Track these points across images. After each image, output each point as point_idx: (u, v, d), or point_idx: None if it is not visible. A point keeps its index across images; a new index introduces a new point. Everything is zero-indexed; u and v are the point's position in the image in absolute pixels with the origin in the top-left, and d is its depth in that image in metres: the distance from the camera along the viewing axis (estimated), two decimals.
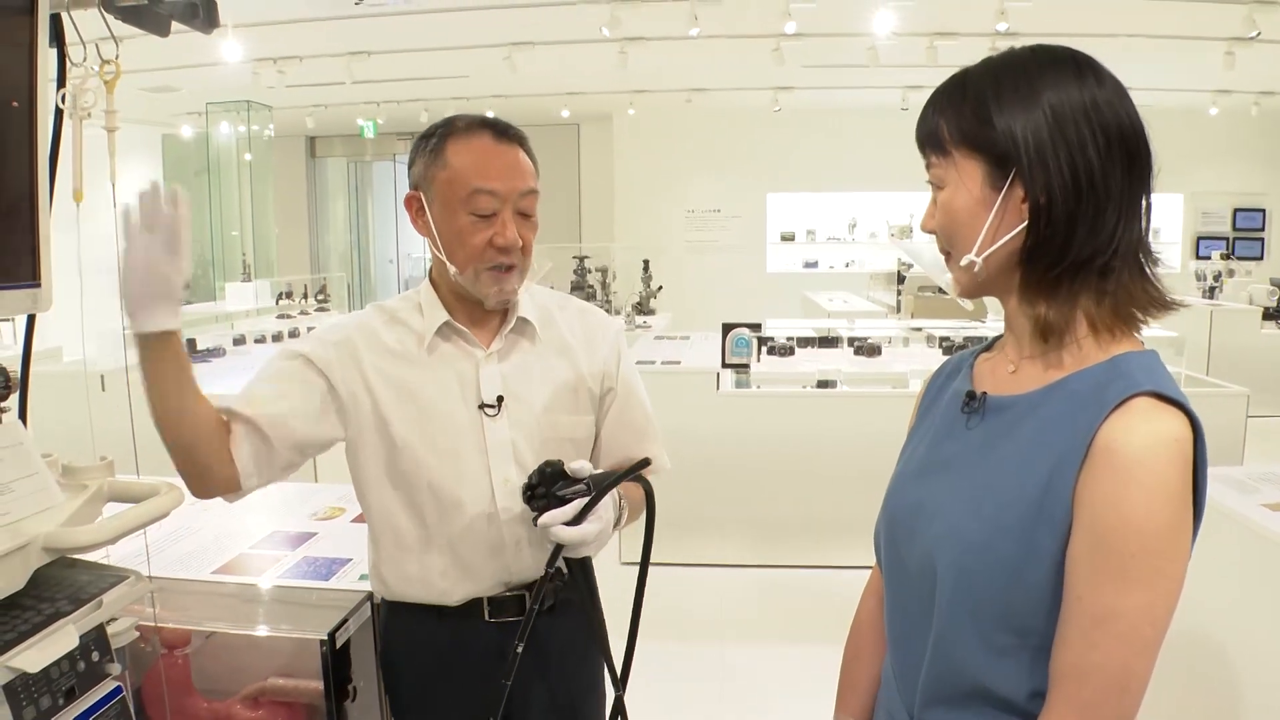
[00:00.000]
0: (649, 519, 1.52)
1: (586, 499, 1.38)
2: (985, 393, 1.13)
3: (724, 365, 5.25)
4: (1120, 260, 1.03)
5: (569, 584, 1.46)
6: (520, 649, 1.40)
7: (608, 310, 8.34)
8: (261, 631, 1.79)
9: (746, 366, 5.28)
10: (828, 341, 5.82)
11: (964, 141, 1.06)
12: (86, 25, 1.48)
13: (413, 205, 1.60)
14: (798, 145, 11.54)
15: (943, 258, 1.15)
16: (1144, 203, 1.06)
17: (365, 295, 14.35)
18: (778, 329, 6.27)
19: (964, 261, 1.08)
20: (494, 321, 1.64)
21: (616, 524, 1.52)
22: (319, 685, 1.71)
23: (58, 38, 1.48)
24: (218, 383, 5.40)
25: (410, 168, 1.62)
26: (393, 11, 6.18)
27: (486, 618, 1.58)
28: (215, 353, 5.94)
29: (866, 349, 5.63)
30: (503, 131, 1.58)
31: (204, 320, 8.54)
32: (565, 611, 1.60)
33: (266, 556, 2.09)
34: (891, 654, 1.21)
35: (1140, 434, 0.95)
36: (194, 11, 1.49)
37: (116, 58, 1.48)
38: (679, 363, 5.32)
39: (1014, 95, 1.04)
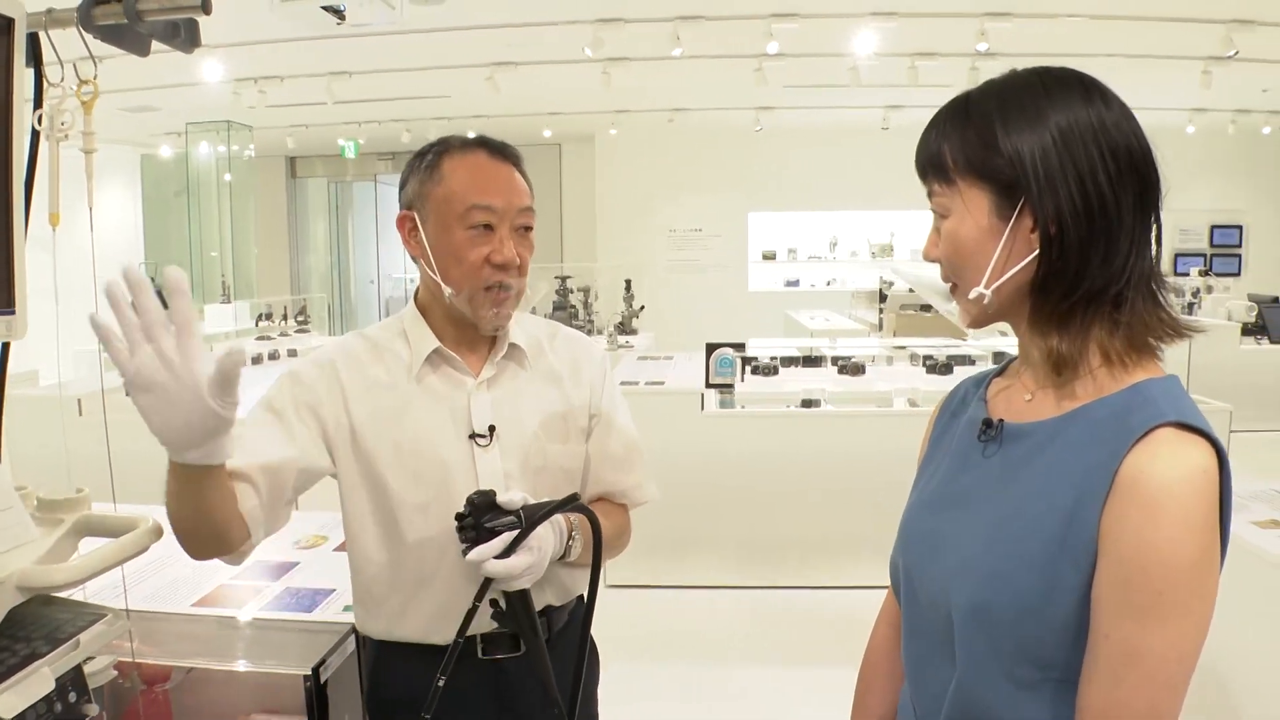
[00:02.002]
0: (595, 552, 1.44)
1: (517, 531, 1.32)
2: (1002, 420, 1.09)
3: (708, 385, 5.23)
4: (1133, 289, 1.01)
5: (507, 617, 1.39)
6: (441, 682, 1.32)
7: (590, 330, 8.32)
8: (243, 667, 1.74)
9: (731, 386, 5.25)
10: (811, 361, 5.80)
11: (969, 169, 1.03)
12: (65, 45, 1.45)
13: (405, 225, 1.56)
14: (779, 164, 11.59)
15: (947, 287, 1.12)
16: (1155, 228, 1.03)
17: (346, 316, 14.28)
18: (761, 349, 6.26)
19: (972, 295, 1.05)
20: (484, 347, 1.60)
21: (564, 556, 1.45)
22: None
23: (35, 57, 1.45)
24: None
25: (402, 188, 1.58)
26: (375, 32, 6.15)
27: (480, 655, 1.54)
28: None
29: (850, 368, 5.61)
30: (498, 150, 1.56)
31: None
32: (554, 647, 1.56)
33: (247, 588, 2.04)
34: (911, 685, 1.18)
35: (1167, 466, 0.92)
36: (175, 31, 1.46)
37: (95, 78, 1.45)
38: (663, 383, 5.29)
39: (1020, 117, 1.01)
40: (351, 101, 8.36)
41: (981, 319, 1.08)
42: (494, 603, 1.38)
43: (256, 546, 1.42)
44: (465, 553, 1.32)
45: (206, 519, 1.29)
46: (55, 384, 5.58)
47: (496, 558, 1.31)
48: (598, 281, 9.56)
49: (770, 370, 5.53)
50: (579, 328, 8.02)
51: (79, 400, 4.82)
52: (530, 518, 1.32)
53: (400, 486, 1.51)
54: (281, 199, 13.30)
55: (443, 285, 1.51)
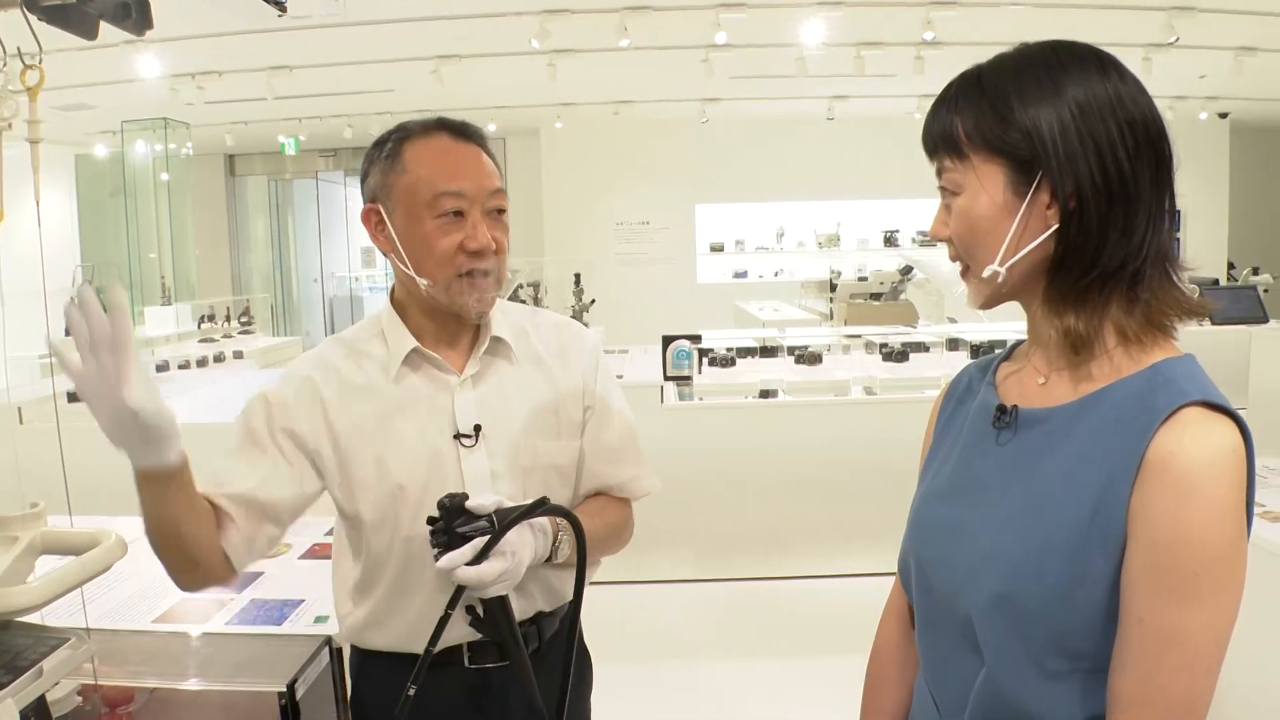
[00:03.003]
0: (579, 555, 1.39)
1: (488, 537, 1.26)
2: (1016, 406, 1.06)
3: (666, 378, 5.19)
4: (1150, 266, 0.99)
5: (486, 626, 1.33)
6: (412, 692, 1.27)
7: None
8: (213, 685, 1.64)
9: (689, 379, 5.22)
10: (768, 351, 5.79)
11: (984, 143, 1.00)
12: (6, 30, 1.36)
13: (371, 219, 1.48)
14: (725, 156, 11.56)
15: (957, 268, 1.08)
16: (1169, 204, 1.01)
17: (289, 316, 14.02)
18: (717, 340, 6.23)
19: (986, 273, 1.02)
20: (466, 342, 1.52)
21: (550, 559, 1.39)
22: None
23: None
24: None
25: (364, 181, 1.50)
26: (317, 24, 6.00)
27: (466, 664, 1.47)
28: None
29: (808, 358, 5.60)
30: (461, 131, 1.49)
31: None
32: (545, 655, 1.50)
33: (210, 601, 1.94)
34: (930, 679, 1.14)
35: (1197, 446, 0.90)
36: (125, 12, 1.38)
37: (40, 63, 1.35)
38: (621, 377, 5.23)
39: (1036, 90, 0.98)
40: (292, 97, 8.16)
41: (994, 298, 1.06)
42: (471, 610, 1.32)
43: (241, 571, 1.38)
44: (437, 559, 1.26)
45: (176, 539, 1.27)
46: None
47: (469, 564, 1.24)
48: (546, 275, 9.46)
49: (728, 361, 5.51)
50: None
51: (19, 409, 4.64)
52: (502, 522, 1.26)
53: (383, 492, 1.43)
54: (221, 198, 13.00)
55: (417, 278, 1.44)
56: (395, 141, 1.47)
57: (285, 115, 9.67)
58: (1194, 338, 8.23)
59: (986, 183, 1.00)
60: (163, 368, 6.15)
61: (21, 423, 4.56)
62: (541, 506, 1.29)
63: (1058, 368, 1.04)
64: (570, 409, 1.55)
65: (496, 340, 1.52)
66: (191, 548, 1.29)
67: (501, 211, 1.48)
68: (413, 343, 1.48)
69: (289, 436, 1.43)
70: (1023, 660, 0.97)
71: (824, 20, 6.86)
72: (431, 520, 1.28)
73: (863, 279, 8.46)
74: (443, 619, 1.27)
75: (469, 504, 1.26)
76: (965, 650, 1.04)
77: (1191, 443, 0.90)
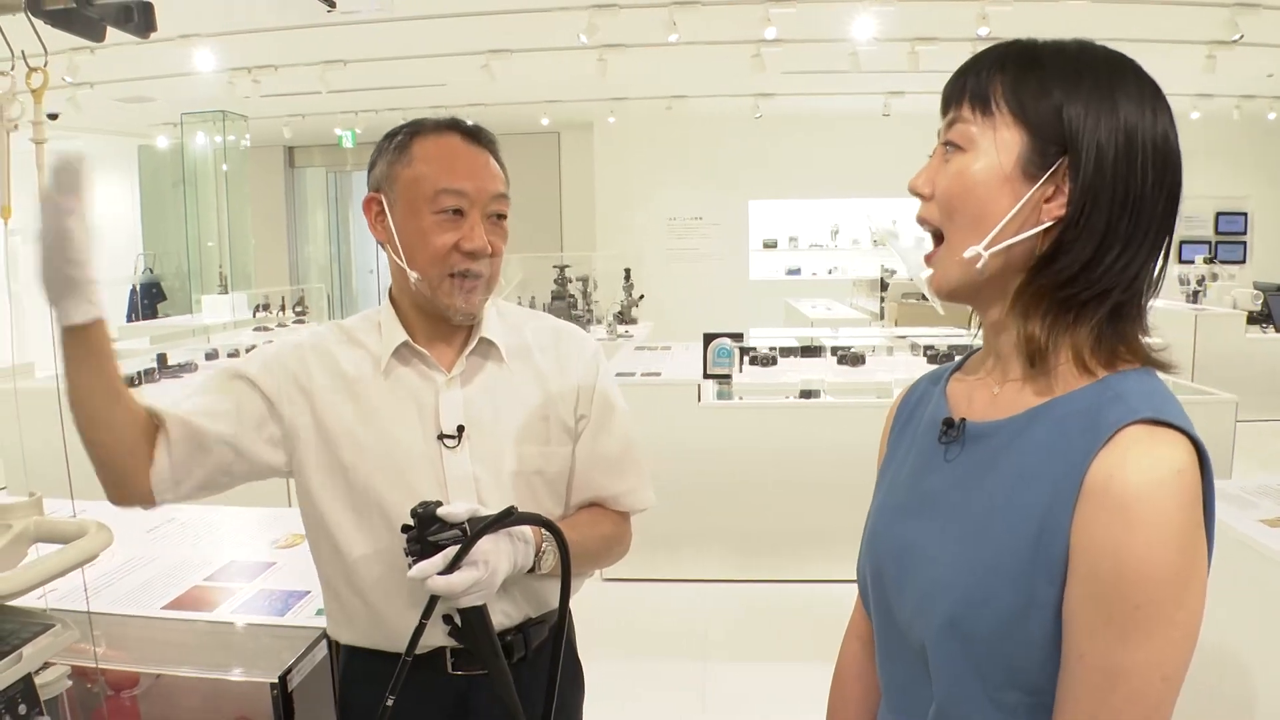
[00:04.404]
0: (564, 566, 1.35)
1: (459, 546, 1.24)
2: (964, 419, 1.01)
3: (705, 376, 5.17)
4: (1131, 305, 0.94)
5: (464, 635, 1.31)
6: (390, 702, 1.24)
7: (589, 319, 8.25)
8: (210, 673, 1.67)
9: (728, 377, 5.19)
10: (811, 351, 5.75)
11: (1020, 109, 0.92)
12: (17, 32, 1.39)
13: (371, 208, 1.50)
14: (779, 152, 11.50)
15: (927, 240, 1.00)
16: (1167, 243, 0.95)
17: (346, 305, 14.23)
18: (760, 338, 6.20)
19: (968, 253, 0.94)
20: (458, 340, 1.52)
21: (533, 569, 1.36)
22: None
23: None
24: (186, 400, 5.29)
25: (370, 170, 1.51)
26: (366, 19, 6.08)
27: (450, 670, 1.47)
28: (187, 368, 5.81)
29: (850, 358, 5.55)
30: (472, 134, 1.49)
31: (180, 334, 8.43)
32: (532, 664, 1.50)
33: (222, 589, 1.99)
34: (890, 709, 1.09)
35: (1139, 468, 0.84)
36: (128, 15, 1.40)
37: (45, 65, 1.39)
38: (659, 374, 5.23)
39: (1094, 94, 0.91)
40: (347, 90, 8.29)
41: (964, 288, 0.97)
42: (449, 619, 1.31)
43: (164, 502, 1.40)
44: (410, 567, 1.25)
45: (95, 427, 1.32)
46: (50, 376, 5.53)
47: (441, 573, 1.23)
48: (597, 270, 9.48)
49: (769, 360, 5.47)
50: (577, 317, 8.00)
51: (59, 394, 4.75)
52: (475, 530, 1.25)
53: (363, 489, 1.44)
54: (280, 189, 13.24)
55: (408, 270, 1.44)
56: (406, 135, 1.48)
57: (341, 108, 9.82)
58: (1257, 345, 8.04)
59: (1002, 147, 0.93)
60: (212, 356, 6.26)
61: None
62: (510, 515, 1.27)
63: (1011, 378, 0.99)
64: (562, 415, 1.54)
65: (486, 342, 1.52)
66: (114, 446, 1.33)
67: (502, 217, 1.48)
68: (403, 336, 1.48)
69: (264, 401, 1.45)
70: (976, 692, 0.93)
71: (876, 15, 6.79)
72: (405, 528, 1.27)
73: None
74: (418, 629, 1.25)
75: (440, 512, 1.24)
76: (922, 679, 0.99)
77: (1134, 464, 0.84)
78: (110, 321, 1.30)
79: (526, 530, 1.35)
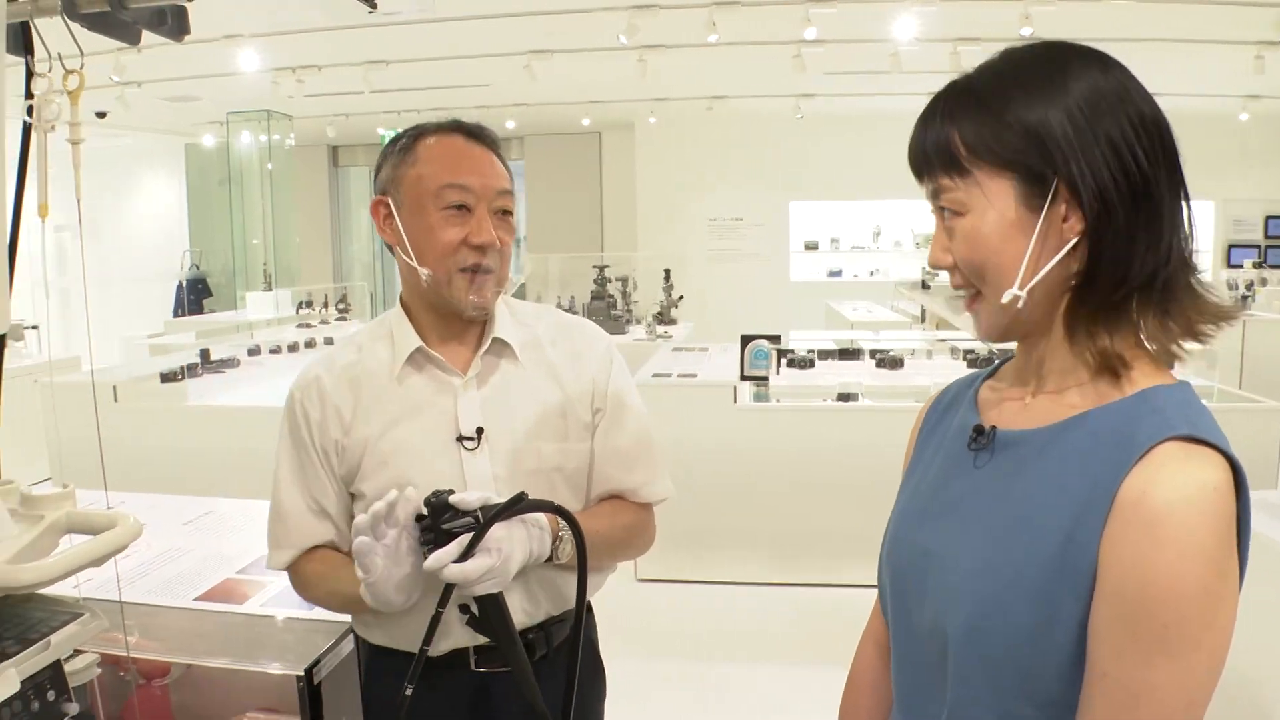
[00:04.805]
0: (580, 558, 1.35)
1: (472, 533, 1.25)
2: (995, 427, 1.00)
3: (742, 378, 5.16)
4: (1177, 273, 0.92)
5: (480, 624, 1.33)
6: (409, 691, 1.25)
7: (628, 320, 8.26)
8: (238, 665, 1.70)
9: (765, 379, 5.18)
10: (849, 353, 5.71)
11: (989, 155, 0.92)
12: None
13: (379, 211, 1.53)
14: (820, 152, 11.42)
15: (966, 296, 0.99)
16: (1183, 204, 0.93)
17: (389, 303, 14.32)
18: (798, 340, 6.17)
19: (1006, 298, 0.92)
20: (471, 339, 1.54)
21: (551, 559, 1.37)
22: None
23: (26, 48, 1.43)
24: (229, 394, 5.37)
25: (377, 174, 1.55)
26: (407, 20, 6.13)
27: (473, 667, 1.49)
28: (229, 363, 5.91)
29: (889, 361, 5.52)
30: (475, 133, 1.52)
31: (225, 330, 8.57)
32: (553, 662, 1.50)
33: (253, 582, 2.02)
34: (900, 712, 1.09)
35: (1172, 485, 0.83)
36: (162, 18, 1.43)
37: (82, 67, 1.41)
38: (695, 375, 5.23)
39: (1040, 89, 0.90)
40: (390, 90, 8.36)
41: (1013, 327, 0.97)
42: (465, 609, 1.32)
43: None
44: (425, 557, 1.27)
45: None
46: (99, 369, 5.64)
47: (456, 561, 1.24)
48: (637, 271, 9.48)
49: (806, 363, 5.45)
50: (616, 318, 8.01)
51: (114, 387, 4.86)
52: (488, 517, 1.26)
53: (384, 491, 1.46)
54: (324, 188, 13.38)
55: (418, 268, 1.47)
56: (410, 138, 1.52)
57: (385, 109, 9.89)
58: None
59: (995, 199, 0.92)
60: (254, 351, 6.35)
61: (116, 400, 4.77)
62: (521, 501, 1.28)
63: (1047, 389, 0.98)
64: (579, 411, 1.55)
65: (499, 341, 1.53)
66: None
67: (508, 213, 1.51)
68: (417, 342, 1.50)
69: (314, 454, 1.52)
70: (991, 703, 0.92)
71: (917, 15, 6.73)
72: (419, 518, 1.29)
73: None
74: (434, 618, 1.27)
75: (452, 499, 1.26)
76: (937, 688, 0.99)
77: (1167, 481, 0.83)
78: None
79: (542, 518, 1.36)
